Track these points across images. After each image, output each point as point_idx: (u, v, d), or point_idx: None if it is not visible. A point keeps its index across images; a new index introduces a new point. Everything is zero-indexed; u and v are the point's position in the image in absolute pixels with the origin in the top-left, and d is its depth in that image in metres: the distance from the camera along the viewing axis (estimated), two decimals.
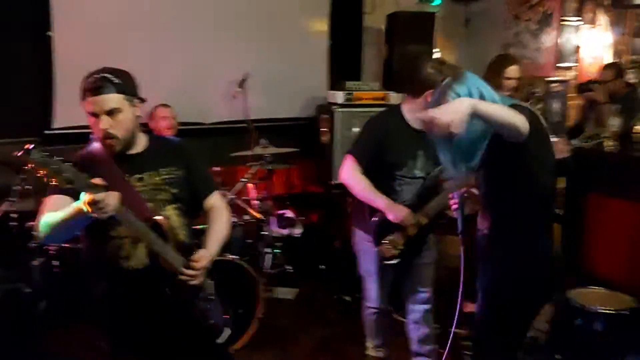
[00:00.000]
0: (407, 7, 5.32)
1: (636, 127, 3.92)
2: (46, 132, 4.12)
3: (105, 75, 2.05)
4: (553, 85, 6.75)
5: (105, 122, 2.02)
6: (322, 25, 5.26)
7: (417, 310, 3.11)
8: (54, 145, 4.15)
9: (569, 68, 6.99)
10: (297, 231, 4.93)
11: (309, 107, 5.12)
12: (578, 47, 7.01)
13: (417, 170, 2.85)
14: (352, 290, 4.21)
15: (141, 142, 2.19)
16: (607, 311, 2.89)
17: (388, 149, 2.80)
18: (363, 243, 3.00)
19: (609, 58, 7.24)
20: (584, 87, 4.46)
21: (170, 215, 2.14)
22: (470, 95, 1.94)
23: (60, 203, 1.99)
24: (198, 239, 2.26)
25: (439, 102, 1.96)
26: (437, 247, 3.16)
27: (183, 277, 2.09)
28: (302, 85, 5.20)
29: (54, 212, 1.98)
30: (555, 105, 6.80)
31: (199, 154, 2.35)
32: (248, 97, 4.33)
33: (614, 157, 4.11)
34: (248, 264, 3.50)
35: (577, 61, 7.04)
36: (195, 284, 2.14)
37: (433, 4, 5.79)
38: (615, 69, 4.59)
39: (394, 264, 2.87)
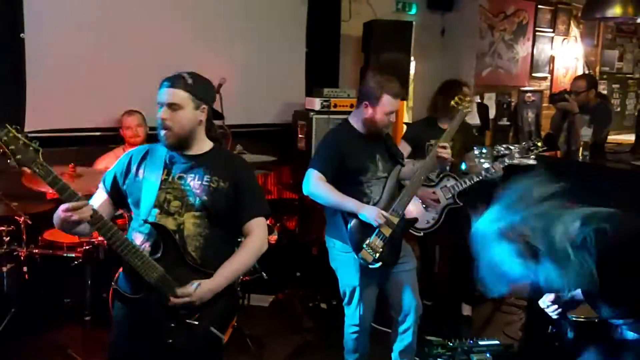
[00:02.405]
0: (384, 16, 5.36)
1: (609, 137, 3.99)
2: None
3: (183, 74, 2.19)
4: (527, 95, 6.87)
5: (163, 112, 2.15)
6: (299, 32, 5.26)
7: (406, 321, 3.09)
8: None
9: (542, 78, 7.13)
10: (273, 238, 4.91)
11: (285, 113, 5.11)
12: (552, 58, 7.16)
13: (380, 172, 2.99)
14: (328, 297, 4.21)
15: (202, 148, 2.27)
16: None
17: (348, 157, 2.91)
18: (341, 255, 3.00)
19: (580, 69, 7.42)
20: (557, 97, 4.54)
21: (184, 222, 2.15)
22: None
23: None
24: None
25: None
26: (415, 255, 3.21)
27: (171, 302, 2.07)
28: (279, 91, 5.19)
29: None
30: (529, 115, 6.91)
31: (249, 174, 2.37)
32: (224, 103, 4.30)
33: (586, 167, 4.18)
34: None
35: (550, 71, 7.18)
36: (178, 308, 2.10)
37: (410, 12, 5.85)
38: (587, 80, 4.67)
39: (377, 267, 2.90)
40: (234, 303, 2.41)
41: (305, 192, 2.94)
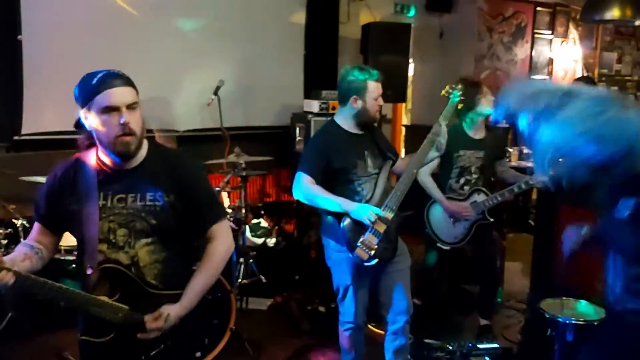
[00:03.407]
0: (383, 18, 5.36)
1: None
2: (15, 138, 4.03)
3: (115, 71, 1.89)
4: None
5: (128, 116, 1.83)
6: (298, 34, 5.26)
7: (397, 321, 3.08)
8: (22, 151, 4.08)
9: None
10: (271, 241, 4.90)
11: (284, 115, 5.10)
12: (551, 60, 7.16)
13: (370, 168, 2.98)
14: (326, 300, 4.19)
15: (142, 152, 1.96)
16: (578, 322, 2.91)
17: (335, 156, 2.91)
18: (335, 254, 3.00)
19: (579, 71, 7.42)
20: None
21: (137, 253, 1.94)
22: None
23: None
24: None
25: None
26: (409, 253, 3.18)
27: (141, 337, 1.89)
28: (277, 93, 5.19)
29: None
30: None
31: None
32: (222, 105, 4.29)
33: None
34: (220, 274, 3.45)
35: (549, 73, 7.18)
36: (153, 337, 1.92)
37: (408, 15, 5.84)
38: (586, 82, 4.67)
39: (372, 265, 2.88)
40: (207, 320, 2.16)
41: (295, 196, 2.93)
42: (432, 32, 6.09)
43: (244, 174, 4.20)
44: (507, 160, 4.16)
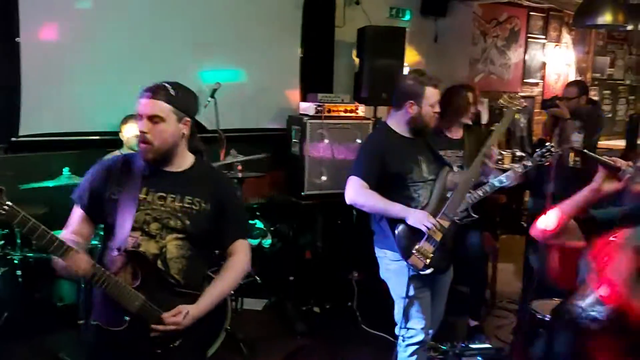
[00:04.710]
0: (378, 22, 5.39)
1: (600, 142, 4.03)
2: (13, 139, 4.04)
3: (165, 84, 2.07)
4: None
5: (144, 125, 2.02)
6: (294, 37, 5.29)
7: (431, 333, 3.00)
8: (21, 152, 4.09)
9: (535, 84, 7.18)
10: (267, 241, 4.93)
11: (280, 118, 5.13)
12: (544, 64, 7.22)
13: (425, 174, 2.90)
14: (321, 301, 4.22)
15: (185, 162, 2.15)
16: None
17: (390, 161, 2.83)
18: (393, 264, 2.87)
19: (572, 75, 7.48)
20: (548, 103, 4.59)
21: (166, 245, 2.05)
22: None
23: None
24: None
25: None
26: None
27: (154, 330, 1.98)
28: (273, 96, 5.22)
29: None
30: (521, 121, 6.96)
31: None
32: (219, 107, 4.31)
33: (576, 172, 4.22)
34: (215, 275, 3.48)
35: (542, 77, 7.24)
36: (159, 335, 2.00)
37: (403, 19, 5.89)
38: (579, 86, 4.72)
39: (428, 274, 2.77)
40: (219, 324, 2.30)
41: (347, 200, 2.84)
42: (427, 36, 6.14)
43: (240, 175, 4.23)
44: (500, 162, 4.19)
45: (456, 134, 3.82)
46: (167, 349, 2.04)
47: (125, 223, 2.02)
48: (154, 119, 2.01)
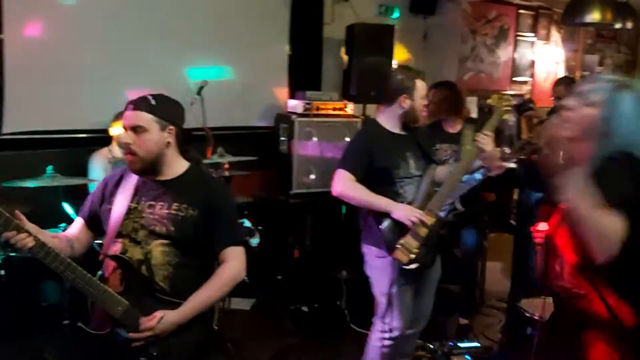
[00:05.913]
0: (367, 19, 5.37)
1: None
2: None
3: (147, 95, 2.13)
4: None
5: (127, 137, 2.09)
6: (282, 35, 5.26)
7: (410, 327, 3.01)
8: (4, 151, 4.03)
9: (524, 82, 7.19)
10: (255, 240, 4.89)
11: (268, 116, 5.10)
12: (533, 62, 7.23)
13: (412, 170, 2.92)
14: (309, 300, 4.21)
15: (175, 170, 2.19)
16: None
17: (377, 156, 2.86)
18: (377, 260, 2.90)
19: (561, 73, 7.50)
20: (522, 108, 4.60)
21: (151, 250, 2.08)
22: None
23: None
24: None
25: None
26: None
27: (131, 337, 1.98)
28: (261, 94, 5.18)
29: None
30: (511, 119, 6.97)
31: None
32: (206, 105, 4.28)
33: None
34: None
35: (532, 76, 7.26)
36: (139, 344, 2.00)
37: (392, 16, 5.87)
38: (566, 84, 4.73)
39: (412, 269, 2.79)
40: (206, 337, 2.21)
41: (334, 192, 2.87)
42: (416, 34, 6.12)
43: (227, 174, 4.20)
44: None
45: (454, 127, 3.85)
46: (150, 357, 2.01)
47: (113, 230, 2.11)
48: (136, 129, 2.08)
